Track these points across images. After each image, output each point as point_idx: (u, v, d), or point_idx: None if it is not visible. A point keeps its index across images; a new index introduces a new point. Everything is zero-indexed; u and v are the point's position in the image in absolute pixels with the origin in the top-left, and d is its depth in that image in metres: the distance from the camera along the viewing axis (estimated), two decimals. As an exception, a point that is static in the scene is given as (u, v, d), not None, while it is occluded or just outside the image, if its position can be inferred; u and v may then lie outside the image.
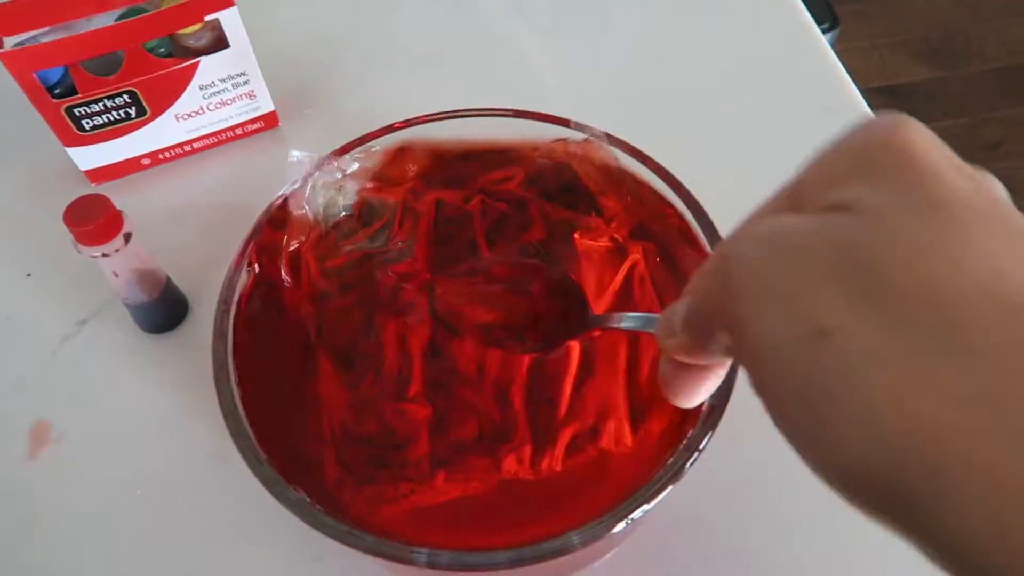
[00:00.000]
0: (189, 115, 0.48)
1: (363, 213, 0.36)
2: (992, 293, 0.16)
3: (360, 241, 0.36)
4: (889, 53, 1.61)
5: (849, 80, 0.54)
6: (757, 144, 0.50)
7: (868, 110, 0.52)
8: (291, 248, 0.36)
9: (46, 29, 0.45)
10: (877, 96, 1.54)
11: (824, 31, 1.04)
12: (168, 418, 0.43)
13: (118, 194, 0.51)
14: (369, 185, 0.37)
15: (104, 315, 0.46)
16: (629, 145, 0.37)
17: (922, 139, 0.19)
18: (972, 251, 0.17)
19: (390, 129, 0.40)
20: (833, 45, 1.08)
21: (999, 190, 0.19)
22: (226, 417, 0.30)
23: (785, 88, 0.54)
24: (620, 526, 0.28)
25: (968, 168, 0.19)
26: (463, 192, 0.37)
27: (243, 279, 0.35)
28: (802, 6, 0.58)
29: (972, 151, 1.45)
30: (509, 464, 0.32)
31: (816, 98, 0.53)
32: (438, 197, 0.36)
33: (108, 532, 0.40)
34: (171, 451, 0.42)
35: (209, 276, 0.44)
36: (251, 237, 0.35)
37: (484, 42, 0.57)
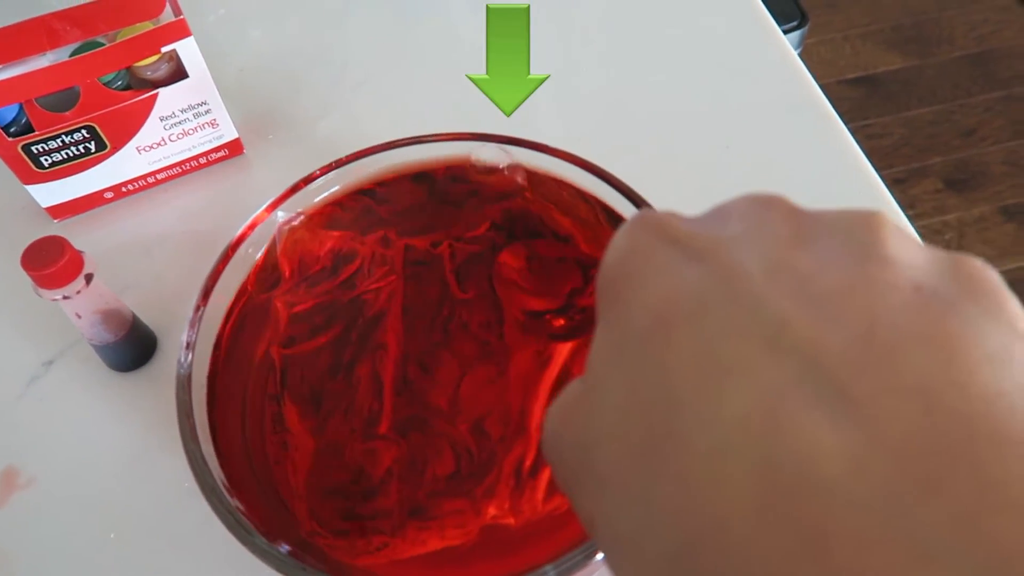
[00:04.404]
0: (151, 147, 0.47)
1: (335, 261, 0.36)
2: None
3: (331, 288, 0.36)
4: (861, 43, 1.61)
5: (812, 80, 0.54)
6: (718, 147, 0.50)
7: (831, 108, 0.52)
8: (262, 297, 0.36)
9: (-1, 66, 0.44)
10: (853, 87, 1.54)
11: (794, 28, 1.04)
12: (141, 457, 0.42)
13: (82, 230, 0.51)
14: (339, 233, 0.37)
15: (72, 354, 0.45)
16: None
17: None
18: None
19: (353, 157, 0.40)
20: (803, 41, 1.08)
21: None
22: (195, 473, 0.29)
23: (748, 90, 0.53)
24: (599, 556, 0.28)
25: None
26: (431, 238, 0.37)
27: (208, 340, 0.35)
28: (762, 6, 0.57)
29: (948, 138, 1.46)
30: (488, 508, 0.31)
31: (780, 99, 0.53)
32: (407, 243, 0.36)
33: (82, 579, 0.39)
34: (145, 491, 0.41)
35: (179, 309, 0.43)
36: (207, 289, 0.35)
37: (455, 61, 0.56)
